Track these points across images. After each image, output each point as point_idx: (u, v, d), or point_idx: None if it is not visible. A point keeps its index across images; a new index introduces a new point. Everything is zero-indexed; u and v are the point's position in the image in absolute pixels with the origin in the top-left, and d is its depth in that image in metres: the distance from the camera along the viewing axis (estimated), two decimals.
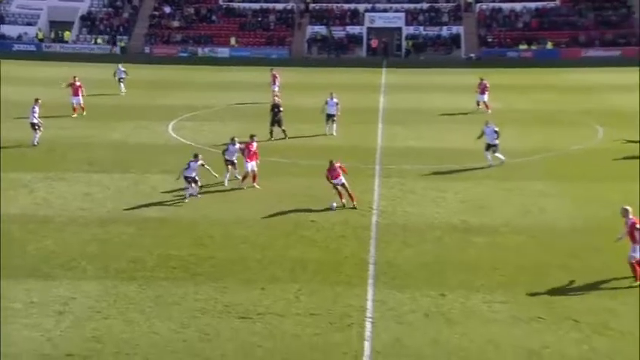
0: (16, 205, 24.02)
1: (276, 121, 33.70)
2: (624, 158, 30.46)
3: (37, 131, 32.67)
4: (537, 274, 18.46)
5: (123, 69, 47.62)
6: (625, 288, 17.50)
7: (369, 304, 16.76)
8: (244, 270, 18.74)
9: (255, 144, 26.11)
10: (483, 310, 16.51)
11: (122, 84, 47.02)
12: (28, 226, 22.00)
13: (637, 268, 17.45)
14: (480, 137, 29.08)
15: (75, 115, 39.29)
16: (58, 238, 21.00)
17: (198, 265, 18.98)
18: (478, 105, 41.40)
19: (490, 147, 28.86)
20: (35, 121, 32.68)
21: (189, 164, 24.07)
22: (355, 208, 23.33)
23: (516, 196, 25.17)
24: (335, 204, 23.28)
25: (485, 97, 41.20)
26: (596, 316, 16.05)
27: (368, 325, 15.75)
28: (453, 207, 24.09)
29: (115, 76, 47.32)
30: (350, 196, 23.46)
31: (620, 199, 24.53)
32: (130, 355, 14.51)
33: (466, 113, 40.20)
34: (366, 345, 14.92)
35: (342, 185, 23.41)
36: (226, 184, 25.82)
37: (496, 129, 28.78)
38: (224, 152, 26.16)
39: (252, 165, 25.71)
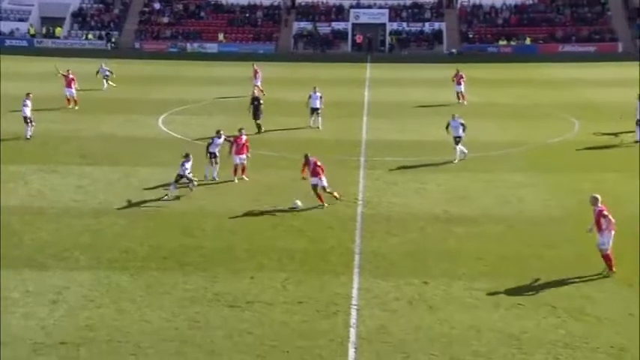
0: (13, 197, 23.88)
1: (255, 114, 33.44)
2: (599, 150, 30.73)
3: (30, 125, 32.44)
4: (516, 263, 18.59)
5: (106, 67, 46.92)
6: (599, 276, 17.65)
7: (355, 292, 16.81)
8: (233, 260, 18.74)
9: (244, 137, 25.95)
10: (465, 298, 16.61)
11: (105, 81, 46.31)
12: (24, 217, 21.90)
13: (610, 257, 17.38)
14: (447, 129, 28.80)
15: (70, 107, 39.16)
16: (52, 229, 20.92)
17: (188, 256, 18.95)
18: (458, 98, 41.66)
19: (457, 140, 28.50)
20: (28, 114, 32.45)
21: (183, 163, 23.54)
22: (338, 199, 23.06)
23: (495, 187, 25.29)
24: (299, 202, 22.50)
25: (462, 88, 41.60)
26: (572, 303, 16.18)
27: (353, 313, 15.80)
28: (435, 198, 24.17)
29: (97, 74, 46.58)
30: (330, 193, 22.84)
31: (594, 189, 24.68)
32: (122, 343, 14.48)
33: (447, 106, 40.26)
34: (352, 331, 14.97)
35: (323, 188, 22.61)
36: (208, 178, 25.43)
37: (462, 122, 28.52)
38: (209, 145, 25.74)
39: (240, 158, 25.62)
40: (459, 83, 41.83)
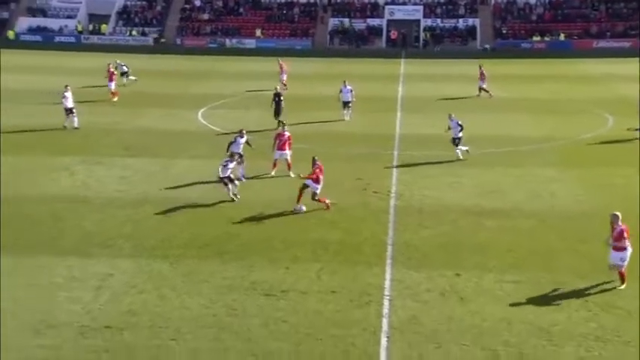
0: (59, 187, 24.34)
1: (277, 110, 33.22)
2: (632, 146, 30.16)
3: (72, 115, 33.00)
4: (547, 257, 18.41)
5: (123, 63, 46.38)
6: (629, 271, 17.37)
7: (387, 283, 16.82)
8: (269, 250, 18.85)
9: (287, 133, 25.72)
10: (496, 290, 16.51)
11: (125, 77, 45.67)
12: (69, 206, 22.29)
13: (623, 275, 16.45)
14: (448, 130, 28.20)
15: (115, 99, 39.76)
16: (97, 219, 21.26)
17: (226, 245, 19.13)
18: (479, 92, 41.72)
19: (454, 140, 27.83)
20: (70, 105, 33.01)
21: (226, 163, 22.57)
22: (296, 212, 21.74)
23: (527, 182, 25.03)
24: (304, 207, 21.60)
25: (484, 84, 41.69)
26: (603, 296, 16.00)
27: (386, 303, 15.81)
28: (467, 191, 24.03)
29: (116, 70, 45.31)
30: (299, 197, 21.72)
31: (626, 184, 24.42)
32: (163, 328, 14.69)
33: (480, 101, 39.94)
34: (384, 321, 14.98)
35: (314, 193, 21.72)
36: (243, 178, 24.40)
37: (460, 122, 27.83)
38: (230, 144, 24.61)
39: (281, 154, 25.33)
40: (482, 79, 42.04)
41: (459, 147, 27.91)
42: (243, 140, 24.86)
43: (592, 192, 23.89)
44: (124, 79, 45.33)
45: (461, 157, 27.72)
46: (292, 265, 17.81)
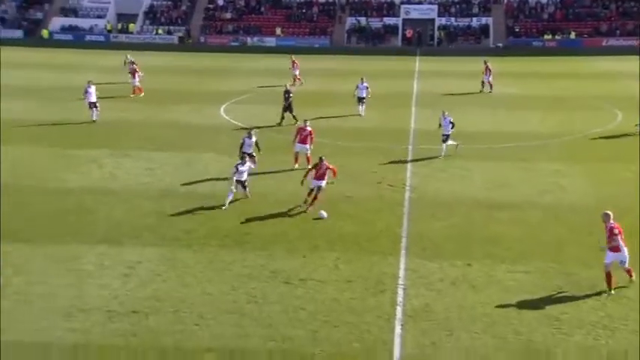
0: (88, 179, 24.53)
1: (287, 106, 32.90)
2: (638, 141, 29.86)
3: (96, 109, 33.30)
4: (556, 248, 18.29)
5: (132, 59, 44.96)
6: (635, 261, 17.21)
7: (402, 273, 16.81)
8: (288, 240, 18.89)
9: (308, 128, 25.44)
10: (506, 280, 16.44)
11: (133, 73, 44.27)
12: (99, 197, 22.46)
13: (610, 278, 15.61)
14: (439, 127, 27.62)
15: (142, 95, 39.91)
16: (124, 209, 21.41)
17: (246, 235, 19.19)
18: (483, 86, 41.70)
19: (446, 138, 27.14)
20: (93, 100, 33.26)
21: (237, 166, 21.62)
22: (306, 212, 20.75)
23: (537, 176, 24.86)
24: (324, 213, 20.36)
25: (490, 78, 41.74)
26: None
27: (400, 292, 15.81)
28: (479, 184, 23.91)
29: (125, 65, 45.15)
30: (314, 199, 20.87)
31: (634, 179, 24.15)
32: (187, 314, 14.79)
33: (492, 97, 39.67)
34: (398, 309, 14.98)
35: (319, 188, 20.99)
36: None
37: (451, 119, 27.28)
38: (242, 145, 24.08)
39: (302, 147, 25.17)
40: (487, 74, 42.01)
41: (447, 142, 27.17)
42: (251, 141, 24.19)
43: (600, 186, 23.67)
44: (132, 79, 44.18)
45: (449, 154, 27.03)
46: (310, 255, 17.84)
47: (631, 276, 15.94)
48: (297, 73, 44.50)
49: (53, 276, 16.62)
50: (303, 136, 25.36)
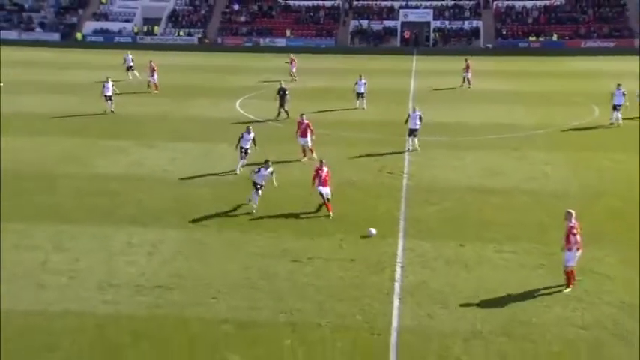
0: (118, 166, 24.48)
1: (282, 102, 32.29)
2: (616, 132, 29.65)
3: (111, 101, 33.39)
4: (540, 230, 18.17)
5: (131, 57, 43.81)
6: (610, 241, 17.13)
7: (400, 252, 16.73)
8: (297, 223, 18.81)
9: (305, 121, 24.90)
10: (495, 259, 16.34)
11: (130, 72, 43.18)
12: (127, 183, 22.41)
13: (571, 275, 14.64)
14: (406, 122, 26.73)
15: (156, 92, 39.67)
16: (149, 194, 21.35)
17: (259, 219, 19.09)
18: (463, 82, 41.41)
19: (412, 132, 26.12)
20: (109, 94, 33.36)
21: (259, 170, 19.61)
22: (329, 217, 19.04)
23: (524, 164, 24.68)
24: (374, 230, 17.75)
25: (469, 75, 41.54)
26: (586, 264, 15.72)
27: (398, 269, 15.73)
28: (470, 172, 23.74)
29: (124, 63, 43.98)
30: (327, 205, 19.25)
31: (611, 167, 23.97)
32: (206, 288, 14.77)
33: (482, 93, 39.36)
34: (397, 285, 14.92)
35: (327, 198, 19.24)
36: (238, 172, 23.07)
37: (420, 115, 26.35)
38: (239, 140, 23.26)
39: (304, 140, 24.80)
40: (467, 71, 41.75)
41: (415, 138, 26.12)
42: (249, 136, 23.30)
43: (580, 174, 23.49)
44: (129, 74, 43.30)
45: (417, 148, 26.20)
46: (317, 237, 17.76)
47: (569, 284, 14.62)
48: (293, 70, 44.31)
49: (87, 253, 16.63)
50: (302, 130, 24.88)
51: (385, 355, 12.21)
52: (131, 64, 43.90)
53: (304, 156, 25.08)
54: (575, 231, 14.50)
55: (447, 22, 71.50)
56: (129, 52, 46.31)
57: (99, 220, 18.96)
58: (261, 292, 14.59)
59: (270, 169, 19.69)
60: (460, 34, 70.44)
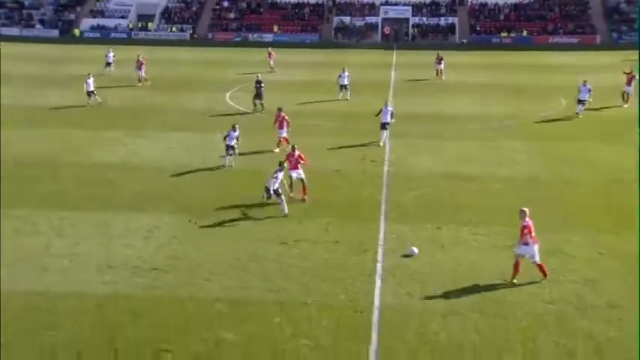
0: (115, 156, 24.22)
1: (257, 95, 31.85)
2: (581, 122, 29.83)
3: (94, 96, 32.93)
4: (512, 214, 17.98)
5: (112, 54, 42.82)
6: (579, 226, 17.28)
7: (381, 235, 16.75)
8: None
9: (282, 114, 24.50)
10: (470, 241, 16.43)
11: (109, 66, 42.09)
12: (124, 172, 22.19)
13: (517, 268, 14.03)
14: (378, 114, 26.29)
15: (139, 84, 39.00)
16: (146, 182, 21.18)
17: (249, 205, 18.94)
18: (437, 74, 41.27)
19: (384, 125, 25.61)
20: (91, 89, 32.87)
21: (276, 173, 18.18)
22: (304, 201, 18.87)
23: (497, 152, 24.77)
24: (416, 249, 15.66)
25: (442, 67, 41.49)
26: (553, 244, 15.89)
27: (380, 251, 15.76)
28: (447, 160, 23.79)
29: (105, 58, 42.94)
30: (304, 188, 19.02)
31: (578, 157, 24.14)
32: (199, 270, 14.71)
33: (457, 86, 39.38)
34: (378, 266, 14.96)
35: (300, 179, 19.09)
36: (226, 166, 22.42)
37: (392, 110, 25.95)
38: (225, 137, 22.58)
39: (281, 132, 24.38)
40: (439, 63, 41.71)
41: (386, 131, 25.56)
42: (235, 134, 22.61)
43: (549, 162, 23.63)
44: (106, 69, 42.28)
45: (386, 142, 25.61)
46: (304, 221, 17.73)
47: (544, 274, 14.15)
48: (271, 62, 44.07)
49: (87, 238, 16.48)
50: (279, 122, 24.54)
51: (367, 331, 12.25)
52: (110, 60, 42.95)
53: (278, 146, 24.41)
54: (526, 231, 13.82)
55: (424, 19, 71.34)
56: (111, 49, 45.47)
57: (98, 206, 18.77)
58: (251, 274, 14.56)
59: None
60: (437, 29, 70.32)
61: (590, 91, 30.84)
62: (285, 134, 24.57)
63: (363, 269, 14.75)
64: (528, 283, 14.07)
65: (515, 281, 14.00)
